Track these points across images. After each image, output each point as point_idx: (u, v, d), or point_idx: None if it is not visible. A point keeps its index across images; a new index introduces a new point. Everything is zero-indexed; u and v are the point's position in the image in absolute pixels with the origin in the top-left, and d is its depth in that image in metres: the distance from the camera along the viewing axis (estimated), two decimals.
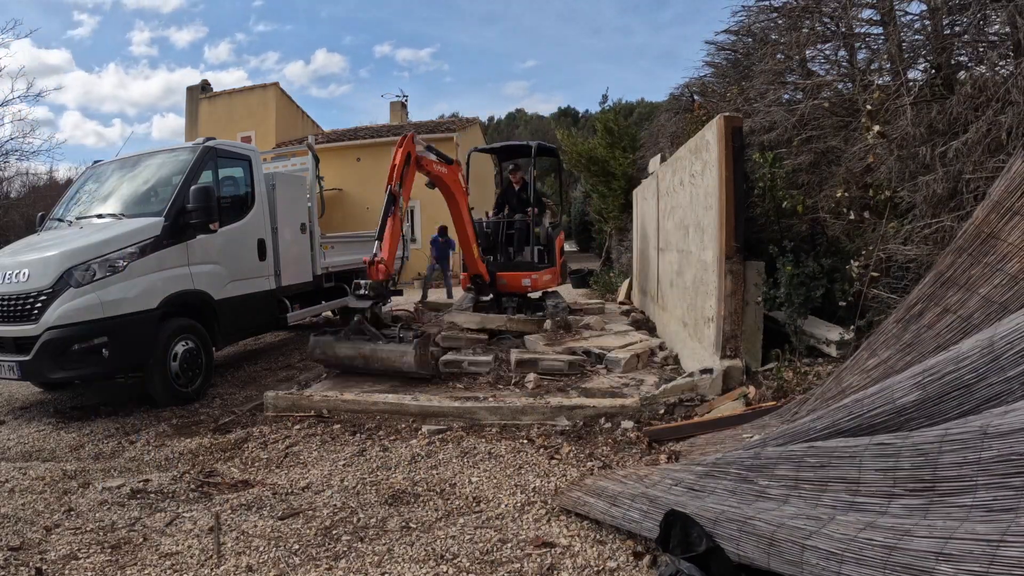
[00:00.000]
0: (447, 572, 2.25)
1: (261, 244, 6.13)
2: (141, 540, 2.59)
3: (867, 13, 4.28)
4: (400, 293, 10.19)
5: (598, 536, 2.45)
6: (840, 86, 4.72)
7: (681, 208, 5.62)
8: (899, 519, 1.69)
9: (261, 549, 2.46)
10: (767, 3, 5.60)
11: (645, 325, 7.49)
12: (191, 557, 2.42)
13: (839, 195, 4.23)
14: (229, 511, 2.85)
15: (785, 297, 4.24)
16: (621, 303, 9.98)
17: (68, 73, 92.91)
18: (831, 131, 4.59)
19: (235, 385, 5.77)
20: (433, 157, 6.15)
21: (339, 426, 4.12)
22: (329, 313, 8.53)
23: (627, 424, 3.79)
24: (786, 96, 5.35)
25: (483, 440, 3.67)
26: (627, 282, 10.61)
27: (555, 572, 2.21)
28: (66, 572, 2.35)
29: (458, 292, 10.30)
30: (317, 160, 7.66)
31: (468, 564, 2.29)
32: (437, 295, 11.79)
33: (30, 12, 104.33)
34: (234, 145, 6.20)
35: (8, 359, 4.46)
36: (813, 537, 1.73)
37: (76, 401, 5.31)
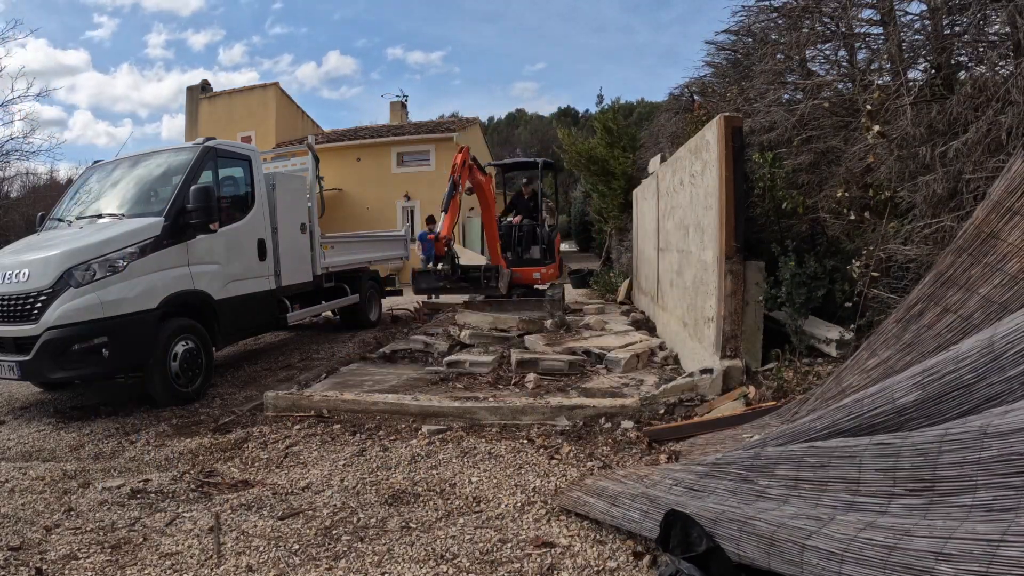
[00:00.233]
0: (447, 572, 2.25)
1: (261, 244, 6.14)
2: (141, 540, 2.59)
3: (867, 13, 4.28)
4: (400, 293, 10.22)
5: (598, 536, 2.45)
6: (840, 86, 4.72)
7: (681, 208, 5.62)
8: (899, 519, 1.69)
9: (261, 549, 2.46)
10: (767, 3, 5.61)
11: (645, 325, 7.49)
12: (191, 557, 2.43)
13: (839, 195, 4.23)
14: (229, 511, 2.85)
15: (786, 297, 4.24)
16: (621, 303, 9.99)
17: (83, 73, 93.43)
18: (831, 131, 4.59)
19: (235, 385, 5.77)
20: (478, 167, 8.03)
21: (339, 426, 4.12)
22: (329, 313, 8.53)
23: (627, 424, 3.79)
24: (786, 96, 5.35)
25: (483, 440, 3.67)
26: (627, 282, 10.60)
27: (555, 572, 2.21)
28: (66, 572, 2.35)
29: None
30: (317, 160, 7.67)
31: (468, 564, 2.29)
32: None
33: (48, 15, 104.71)
34: (234, 145, 6.21)
35: (8, 359, 4.46)
36: (813, 537, 1.73)
37: (76, 401, 5.31)
